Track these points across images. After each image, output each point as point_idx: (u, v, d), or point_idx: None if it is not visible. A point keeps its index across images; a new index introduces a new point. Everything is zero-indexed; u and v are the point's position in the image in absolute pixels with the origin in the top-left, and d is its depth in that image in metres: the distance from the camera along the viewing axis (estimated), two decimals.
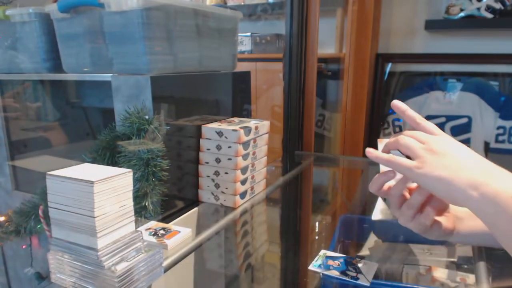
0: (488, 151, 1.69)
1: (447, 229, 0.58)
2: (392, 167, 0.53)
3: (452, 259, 0.77)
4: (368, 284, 0.61)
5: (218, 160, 0.89)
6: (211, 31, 0.95)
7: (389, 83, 1.87)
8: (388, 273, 0.75)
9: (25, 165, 1.14)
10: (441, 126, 1.73)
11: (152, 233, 0.71)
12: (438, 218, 0.59)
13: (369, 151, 0.55)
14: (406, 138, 0.53)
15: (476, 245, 0.75)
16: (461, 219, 0.61)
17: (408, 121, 0.57)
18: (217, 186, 0.90)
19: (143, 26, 0.76)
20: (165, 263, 0.63)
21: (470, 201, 0.47)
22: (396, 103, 0.56)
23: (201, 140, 0.90)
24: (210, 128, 0.88)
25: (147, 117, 0.73)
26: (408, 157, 0.53)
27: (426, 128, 0.55)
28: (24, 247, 0.95)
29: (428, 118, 1.72)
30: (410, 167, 0.51)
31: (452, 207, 0.61)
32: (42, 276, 0.96)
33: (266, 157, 1.00)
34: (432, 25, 1.71)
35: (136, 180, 0.69)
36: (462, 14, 1.61)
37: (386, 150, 0.56)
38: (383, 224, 0.89)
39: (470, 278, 0.70)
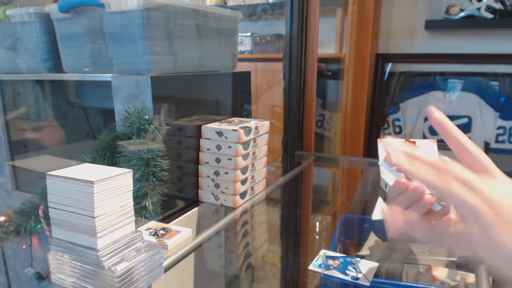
0: (488, 151, 1.69)
1: None
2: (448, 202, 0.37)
3: (452, 258, 0.77)
4: (368, 284, 0.61)
5: (218, 160, 0.89)
6: (211, 31, 0.95)
7: (389, 83, 1.87)
8: (388, 272, 0.74)
9: (25, 165, 1.14)
10: None
11: (152, 233, 0.71)
12: None
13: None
14: (444, 176, 0.36)
15: None
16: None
17: (450, 143, 0.41)
18: (217, 186, 0.90)
19: (143, 26, 0.76)
20: (165, 263, 0.63)
21: None
22: (433, 114, 0.41)
23: (201, 140, 0.90)
24: (210, 128, 0.88)
25: (147, 117, 0.73)
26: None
27: (483, 163, 0.39)
28: (24, 247, 0.95)
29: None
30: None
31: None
32: (42, 276, 0.96)
33: (266, 157, 1.00)
34: (432, 25, 1.71)
35: (136, 180, 0.69)
36: (462, 14, 1.61)
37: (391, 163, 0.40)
38: (383, 224, 0.89)
39: (470, 277, 0.70)
